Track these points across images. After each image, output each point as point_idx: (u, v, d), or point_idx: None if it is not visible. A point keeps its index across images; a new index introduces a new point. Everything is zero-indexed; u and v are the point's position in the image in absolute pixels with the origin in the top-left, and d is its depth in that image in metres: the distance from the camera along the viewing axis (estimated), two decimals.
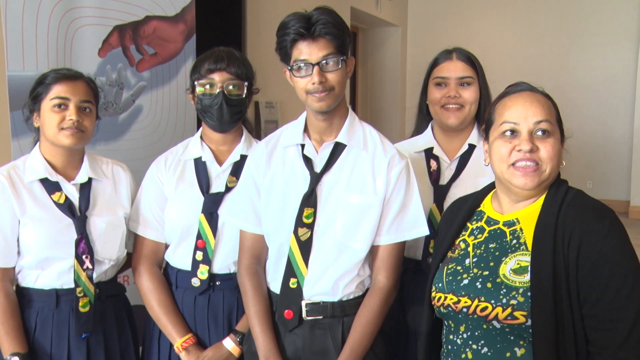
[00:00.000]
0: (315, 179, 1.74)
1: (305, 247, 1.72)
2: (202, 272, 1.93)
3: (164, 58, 3.02)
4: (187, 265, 1.95)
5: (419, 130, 2.16)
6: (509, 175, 1.45)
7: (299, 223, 1.72)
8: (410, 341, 1.99)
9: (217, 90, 1.91)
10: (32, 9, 2.49)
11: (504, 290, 1.38)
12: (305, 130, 1.79)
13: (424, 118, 2.14)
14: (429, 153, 2.05)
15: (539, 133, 1.43)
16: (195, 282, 1.94)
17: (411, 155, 2.07)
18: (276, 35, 1.70)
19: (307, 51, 1.65)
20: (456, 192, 1.93)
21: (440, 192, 1.98)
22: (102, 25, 2.75)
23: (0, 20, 2.44)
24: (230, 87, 1.92)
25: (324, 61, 1.65)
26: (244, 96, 1.93)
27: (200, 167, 1.98)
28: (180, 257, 1.97)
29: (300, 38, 1.65)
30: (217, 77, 1.92)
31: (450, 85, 2.00)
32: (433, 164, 2.03)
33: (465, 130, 2.04)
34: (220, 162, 1.99)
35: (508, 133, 1.45)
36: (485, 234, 1.50)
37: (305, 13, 1.67)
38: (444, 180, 2.00)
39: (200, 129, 2.04)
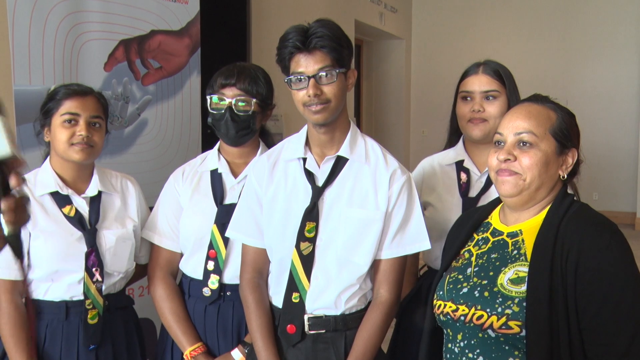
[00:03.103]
0: (317, 193, 1.74)
1: (308, 261, 1.72)
2: (213, 282, 1.95)
3: (169, 72, 3.04)
4: (199, 275, 1.98)
5: (451, 143, 2.16)
6: (495, 182, 1.51)
7: (301, 237, 1.72)
8: None
9: (225, 106, 1.93)
10: (39, 24, 2.51)
11: (500, 299, 1.39)
12: (307, 143, 1.79)
13: (454, 131, 2.14)
14: (459, 165, 2.06)
15: (520, 144, 1.46)
16: (206, 291, 1.96)
17: (442, 168, 2.08)
18: (277, 47, 1.72)
19: (303, 64, 1.66)
20: None
21: (469, 204, 1.97)
22: (108, 40, 2.77)
23: (7, 35, 2.46)
24: (238, 102, 1.93)
25: (320, 74, 1.65)
26: (250, 112, 1.94)
27: (215, 178, 2.01)
28: (193, 267, 1.99)
29: (297, 51, 1.66)
30: (226, 92, 1.94)
31: (475, 99, 1.99)
32: (463, 176, 2.03)
33: None
34: (235, 175, 2.01)
35: (496, 144, 1.51)
36: (489, 245, 1.52)
37: (305, 26, 1.67)
38: (474, 192, 2.00)
39: (219, 142, 2.07)
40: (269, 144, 2.07)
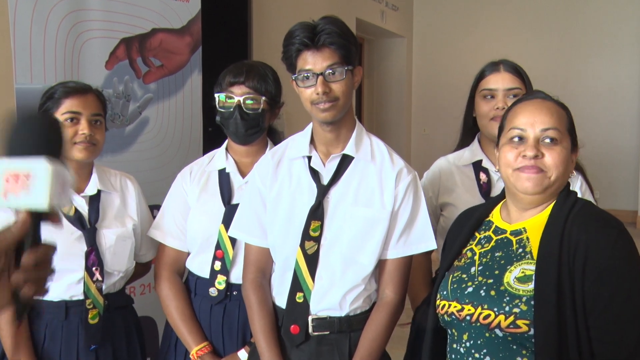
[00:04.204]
0: (323, 191, 1.72)
1: (312, 261, 1.71)
2: (220, 282, 1.94)
3: (170, 70, 3.03)
4: (206, 274, 1.97)
5: (463, 143, 2.14)
6: (514, 178, 1.45)
7: (305, 236, 1.71)
8: None
9: (234, 104, 1.92)
10: (40, 22, 2.51)
11: (507, 298, 1.37)
12: (312, 142, 1.78)
13: (468, 131, 2.12)
14: (477, 165, 2.04)
15: (547, 140, 1.43)
16: (212, 291, 1.95)
17: (459, 168, 2.06)
18: (282, 45, 1.70)
19: (311, 61, 1.64)
20: None
21: None
22: (109, 38, 2.77)
23: (8, 33, 2.46)
24: (247, 101, 1.92)
25: (329, 71, 1.63)
26: (260, 110, 1.93)
27: (223, 178, 2.00)
28: (199, 265, 1.98)
29: (305, 48, 1.64)
30: (235, 90, 1.93)
31: (498, 97, 1.97)
32: (483, 176, 2.02)
33: None
34: (243, 174, 2.00)
35: (516, 139, 1.46)
36: (492, 243, 1.50)
37: (311, 23, 1.66)
38: (495, 192, 1.96)
39: (227, 140, 2.06)
40: (277, 143, 2.07)
